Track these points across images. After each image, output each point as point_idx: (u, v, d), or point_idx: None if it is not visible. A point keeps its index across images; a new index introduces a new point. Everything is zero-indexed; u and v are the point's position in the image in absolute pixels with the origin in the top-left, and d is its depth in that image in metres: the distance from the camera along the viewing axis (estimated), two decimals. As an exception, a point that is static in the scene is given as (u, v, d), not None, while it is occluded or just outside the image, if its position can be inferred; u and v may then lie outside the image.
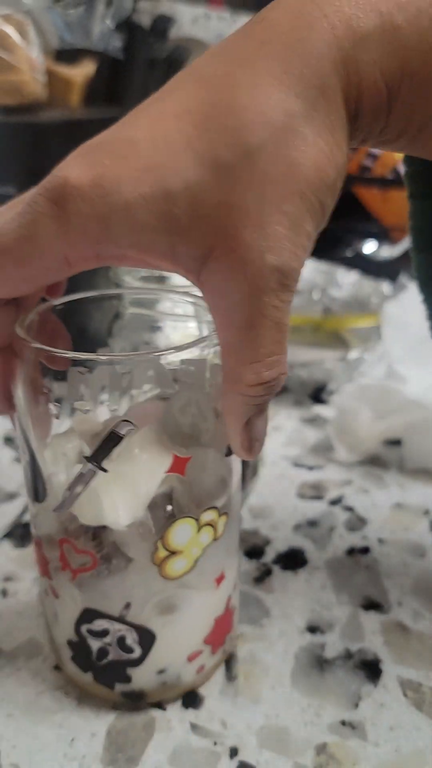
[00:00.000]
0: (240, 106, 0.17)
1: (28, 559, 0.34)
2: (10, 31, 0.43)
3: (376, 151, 0.60)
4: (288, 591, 0.31)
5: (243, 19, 1.23)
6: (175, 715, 0.25)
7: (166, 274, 0.35)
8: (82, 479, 0.21)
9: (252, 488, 0.39)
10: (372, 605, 0.31)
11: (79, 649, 0.25)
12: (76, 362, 0.21)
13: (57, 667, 0.28)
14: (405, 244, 0.66)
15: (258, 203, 0.17)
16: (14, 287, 0.19)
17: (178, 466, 0.22)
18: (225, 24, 1.21)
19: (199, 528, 0.23)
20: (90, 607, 0.23)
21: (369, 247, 0.68)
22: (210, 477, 0.23)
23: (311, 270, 0.68)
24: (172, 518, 0.22)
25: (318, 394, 0.50)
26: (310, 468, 0.41)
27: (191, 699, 0.26)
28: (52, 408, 0.22)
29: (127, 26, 0.53)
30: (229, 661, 0.28)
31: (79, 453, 0.22)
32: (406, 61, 0.17)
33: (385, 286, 0.62)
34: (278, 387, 0.19)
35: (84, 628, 0.24)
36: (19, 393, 0.22)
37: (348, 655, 0.28)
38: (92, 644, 0.24)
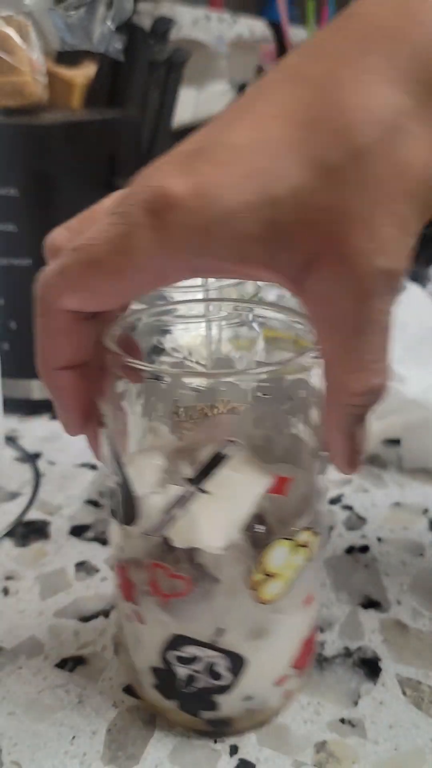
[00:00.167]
0: (346, 105, 0.16)
1: (29, 558, 0.34)
2: (11, 32, 0.43)
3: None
4: (288, 590, 0.32)
5: (244, 21, 1.22)
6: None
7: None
8: (181, 501, 0.20)
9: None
10: (371, 604, 0.31)
11: (164, 676, 0.24)
12: (157, 377, 0.21)
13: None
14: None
15: (367, 205, 0.16)
16: (104, 301, 0.19)
17: (280, 487, 0.21)
18: (225, 25, 1.21)
19: (295, 550, 0.22)
20: (180, 633, 0.22)
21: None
22: (295, 495, 0.22)
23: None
24: (264, 540, 0.21)
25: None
26: (310, 468, 0.42)
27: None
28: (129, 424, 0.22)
29: (127, 28, 0.53)
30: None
31: (161, 471, 0.22)
32: None
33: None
34: (383, 395, 0.19)
35: (171, 654, 0.23)
36: (110, 411, 0.22)
37: (347, 654, 0.28)
38: (179, 671, 0.23)
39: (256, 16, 1.39)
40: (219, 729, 0.24)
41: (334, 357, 0.18)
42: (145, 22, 0.59)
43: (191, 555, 0.21)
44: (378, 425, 0.42)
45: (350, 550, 0.34)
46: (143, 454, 0.23)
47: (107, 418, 0.22)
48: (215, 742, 0.24)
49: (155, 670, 0.24)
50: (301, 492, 0.22)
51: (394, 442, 0.44)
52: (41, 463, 0.43)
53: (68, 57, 0.55)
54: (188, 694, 0.23)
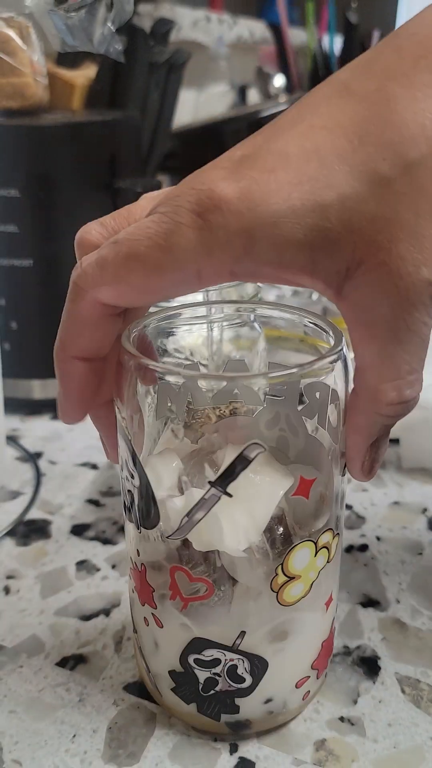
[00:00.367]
0: (399, 119, 0.17)
1: (30, 557, 0.34)
2: (12, 34, 0.43)
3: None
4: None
5: (243, 22, 1.22)
6: (175, 711, 0.26)
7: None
8: (204, 504, 0.20)
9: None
10: (370, 602, 0.31)
11: (183, 679, 0.23)
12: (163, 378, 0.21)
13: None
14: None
15: (414, 216, 0.17)
16: (138, 297, 0.19)
17: (304, 488, 0.21)
18: (225, 27, 1.21)
19: (317, 551, 0.22)
20: (201, 636, 0.22)
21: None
22: (314, 497, 0.22)
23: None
24: (285, 542, 0.21)
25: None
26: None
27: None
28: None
29: (127, 29, 0.53)
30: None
31: (179, 474, 0.22)
32: None
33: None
34: (414, 406, 0.19)
35: (191, 658, 0.23)
36: (129, 413, 0.22)
37: (347, 652, 0.28)
38: (199, 675, 0.23)
39: (255, 18, 1.39)
40: (238, 732, 0.24)
41: (369, 364, 0.19)
42: (146, 24, 0.59)
43: (212, 558, 0.21)
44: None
45: (349, 549, 0.35)
46: (159, 457, 0.23)
47: (125, 420, 0.22)
48: (215, 740, 0.24)
49: (174, 674, 0.24)
50: (319, 493, 0.22)
51: (393, 441, 0.44)
52: (42, 463, 0.43)
53: (69, 58, 0.56)
54: (208, 697, 0.23)
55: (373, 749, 0.24)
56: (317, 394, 0.21)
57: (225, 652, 0.22)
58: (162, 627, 0.23)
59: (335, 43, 0.85)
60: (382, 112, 0.17)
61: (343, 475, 0.23)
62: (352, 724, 0.25)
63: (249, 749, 0.24)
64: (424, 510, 0.38)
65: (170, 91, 0.63)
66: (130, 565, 0.24)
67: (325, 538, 0.22)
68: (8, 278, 0.45)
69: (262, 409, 0.22)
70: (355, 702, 0.26)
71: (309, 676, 0.24)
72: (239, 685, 0.23)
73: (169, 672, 0.24)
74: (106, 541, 0.35)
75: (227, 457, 0.20)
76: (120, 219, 0.21)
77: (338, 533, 0.23)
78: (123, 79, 0.57)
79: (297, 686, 0.24)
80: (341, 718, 0.25)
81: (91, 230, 0.21)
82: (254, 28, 1.30)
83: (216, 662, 0.23)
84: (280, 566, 0.21)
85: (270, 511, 0.21)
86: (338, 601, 0.31)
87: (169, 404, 0.23)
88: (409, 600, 0.31)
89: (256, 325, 0.31)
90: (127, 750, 0.24)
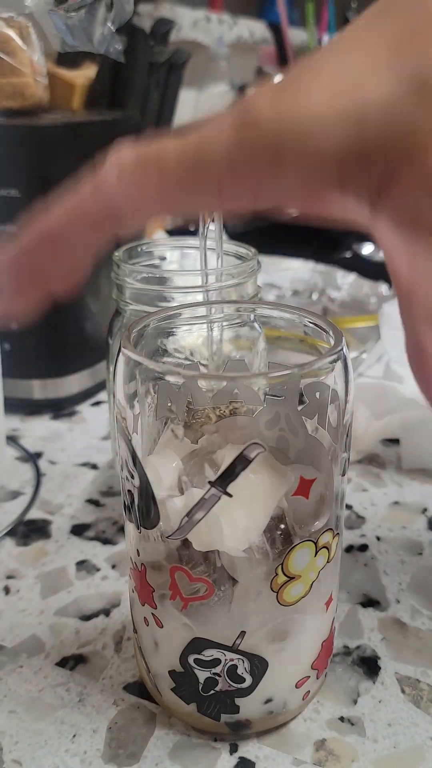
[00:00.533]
0: None
1: (29, 557, 0.34)
2: (12, 34, 0.43)
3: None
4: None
5: (243, 22, 1.22)
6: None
7: (166, 275, 0.35)
8: (204, 504, 0.20)
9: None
10: (370, 602, 0.31)
11: (183, 679, 0.23)
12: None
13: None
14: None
15: None
16: (154, 203, 0.19)
17: (304, 488, 0.21)
18: (225, 27, 1.21)
19: (317, 551, 0.22)
20: (201, 636, 0.22)
21: (367, 248, 0.68)
22: (314, 497, 0.21)
23: (310, 271, 0.68)
24: (285, 542, 0.21)
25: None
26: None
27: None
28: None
29: (127, 29, 0.53)
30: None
31: (179, 474, 0.22)
32: None
33: (384, 287, 0.63)
34: None
35: (191, 658, 0.23)
36: (129, 413, 0.22)
37: (347, 652, 0.28)
38: (199, 675, 0.23)
39: (255, 18, 1.39)
40: (238, 732, 0.24)
41: (406, 273, 0.18)
42: (146, 24, 0.59)
43: (212, 558, 0.21)
44: (377, 424, 0.42)
45: (349, 549, 0.35)
46: (159, 456, 0.23)
47: (129, 421, 0.22)
48: (215, 740, 0.24)
49: (173, 674, 0.24)
50: (319, 493, 0.22)
51: (393, 441, 0.44)
52: (42, 463, 0.43)
53: (69, 58, 0.56)
54: (208, 697, 0.23)
55: (373, 749, 0.24)
56: (317, 394, 0.21)
57: (225, 652, 0.22)
58: (162, 627, 0.23)
59: (335, 43, 0.85)
60: (422, 19, 0.17)
61: (343, 474, 0.23)
62: (352, 724, 0.25)
63: (249, 749, 0.24)
64: (424, 510, 0.38)
65: (170, 91, 0.63)
66: (130, 565, 0.24)
67: (325, 538, 0.22)
68: (8, 278, 0.45)
69: (262, 409, 0.22)
70: (355, 702, 0.26)
71: (309, 676, 0.24)
72: (239, 685, 0.23)
73: (169, 672, 0.24)
74: (106, 541, 0.35)
75: (227, 457, 0.20)
76: (154, 141, 0.21)
77: (338, 533, 0.23)
78: (123, 79, 0.57)
79: (297, 686, 0.24)
80: (341, 718, 0.25)
81: (127, 149, 0.21)
82: (254, 28, 1.30)
83: (216, 662, 0.23)
84: (280, 566, 0.21)
85: (270, 511, 0.21)
86: (338, 601, 0.31)
87: (169, 404, 0.23)
88: (409, 600, 0.31)
89: (256, 325, 0.31)
90: (127, 750, 0.24)
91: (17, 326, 0.47)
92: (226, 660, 0.22)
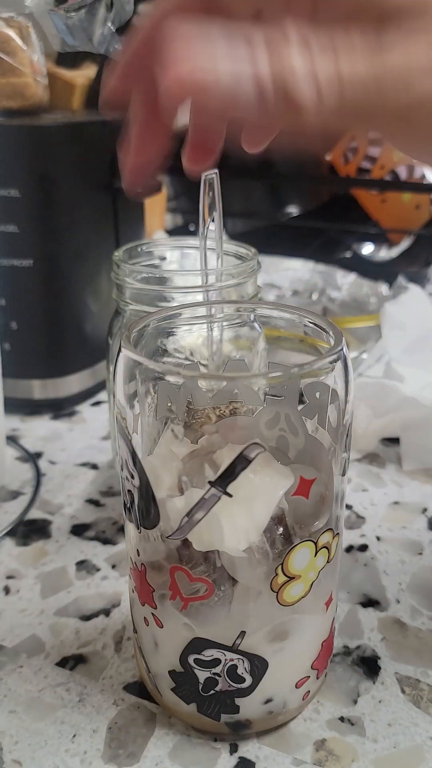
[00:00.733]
0: None
1: (30, 557, 0.34)
2: (12, 34, 0.43)
3: (374, 153, 0.60)
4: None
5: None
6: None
7: (166, 275, 0.35)
8: (204, 504, 0.20)
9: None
10: (370, 602, 0.31)
11: (183, 679, 0.23)
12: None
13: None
14: (403, 245, 0.67)
15: None
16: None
17: (304, 488, 0.21)
18: (225, 26, 1.21)
19: (317, 551, 0.22)
20: (201, 636, 0.22)
21: (367, 248, 0.68)
22: (314, 496, 0.21)
23: (310, 271, 0.68)
24: (286, 542, 0.21)
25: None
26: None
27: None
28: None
29: (128, 29, 0.53)
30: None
31: (179, 474, 0.22)
32: None
33: (383, 287, 0.63)
34: (282, 73, 0.15)
35: (191, 658, 0.23)
36: (129, 413, 0.22)
37: (347, 652, 0.28)
38: (199, 675, 0.23)
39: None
40: (238, 732, 0.24)
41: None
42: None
43: (212, 558, 0.21)
44: (377, 423, 0.42)
45: (349, 549, 0.35)
46: (159, 457, 0.23)
47: (126, 420, 0.22)
48: (215, 740, 0.24)
49: (173, 674, 0.24)
50: (319, 493, 0.22)
51: (393, 440, 0.44)
52: (42, 463, 0.43)
53: (69, 58, 0.56)
54: (208, 697, 0.23)
55: (373, 749, 0.24)
56: (317, 394, 0.21)
57: (225, 652, 0.22)
58: (162, 627, 0.23)
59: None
60: None
61: (343, 474, 0.23)
62: (352, 724, 0.25)
63: (249, 749, 0.24)
64: (424, 510, 0.38)
65: (170, 91, 0.63)
66: (130, 565, 0.24)
67: (325, 538, 0.22)
68: (8, 278, 0.45)
69: (262, 409, 0.22)
70: (355, 702, 0.26)
71: (309, 676, 0.24)
72: (239, 685, 0.23)
73: (169, 672, 0.24)
74: (106, 541, 0.35)
75: (227, 457, 0.20)
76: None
77: (338, 533, 0.23)
78: (123, 79, 0.57)
79: (297, 686, 0.24)
80: (341, 718, 0.25)
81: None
82: (254, 28, 1.30)
83: (216, 662, 0.23)
84: (280, 566, 0.21)
85: (270, 511, 0.21)
86: (338, 601, 0.31)
87: (169, 404, 0.23)
88: (409, 600, 0.31)
89: (256, 325, 0.31)
90: (127, 750, 0.24)
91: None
92: (226, 660, 0.22)
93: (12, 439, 0.45)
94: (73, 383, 0.49)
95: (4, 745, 0.24)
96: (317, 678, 0.25)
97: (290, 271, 0.69)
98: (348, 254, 0.68)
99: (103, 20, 0.41)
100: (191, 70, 0.15)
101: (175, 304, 0.26)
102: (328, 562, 0.23)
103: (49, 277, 0.46)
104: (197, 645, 0.22)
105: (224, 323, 0.29)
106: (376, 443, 0.44)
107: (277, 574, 0.21)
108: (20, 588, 0.32)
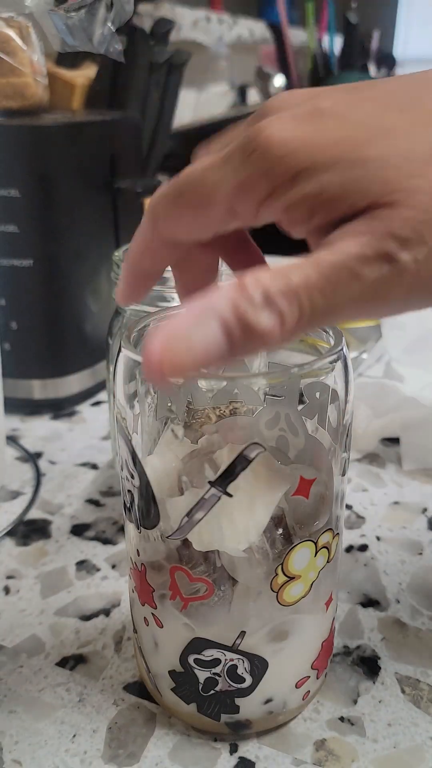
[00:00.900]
0: None
1: (30, 557, 0.34)
2: (12, 34, 0.43)
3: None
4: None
5: (244, 22, 1.22)
6: (175, 711, 0.26)
7: (167, 275, 0.35)
8: (204, 504, 0.20)
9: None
10: (370, 602, 0.31)
11: (183, 679, 0.23)
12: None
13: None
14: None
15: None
16: (188, 230, 0.20)
17: (304, 488, 0.21)
18: (225, 27, 1.21)
19: (317, 551, 0.22)
20: (201, 636, 0.22)
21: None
22: (314, 497, 0.21)
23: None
24: (286, 542, 0.21)
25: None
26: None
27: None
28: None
29: (127, 29, 0.53)
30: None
31: (179, 474, 0.22)
32: None
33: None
34: (268, 324, 0.16)
35: (191, 658, 0.23)
36: (132, 413, 0.22)
37: (347, 652, 0.28)
38: (199, 675, 0.23)
39: (256, 18, 1.39)
40: (238, 732, 0.24)
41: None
42: (146, 24, 0.59)
43: (212, 558, 0.21)
44: (377, 423, 0.42)
45: (349, 548, 0.35)
46: (159, 456, 0.23)
47: (126, 420, 0.22)
48: (215, 740, 0.24)
49: (173, 674, 0.24)
50: (319, 493, 0.22)
51: (393, 440, 0.44)
52: (42, 463, 0.43)
53: (69, 58, 0.56)
54: (207, 697, 0.23)
55: (373, 749, 0.24)
56: (317, 394, 0.21)
57: (225, 652, 0.22)
58: (162, 627, 0.23)
59: (335, 43, 0.85)
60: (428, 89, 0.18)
61: (343, 474, 0.23)
62: (352, 724, 0.25)
63: (249, 749, 0.24)
64: (424, 510, 0.38)
65: (170, 91, 0.63)
66: (130, 565, 0.24)
67: (325, 538, 0.22)
68: (8, 278, 0.45)
69: (262, 409, 0.22)
70: (355, 702, 0.26)
71: (309, 676, 0.24)
72: (239, 685, 0.23)
73: (169, 672, 0.24)
74: (106, 541, 0.35)
75: (227, 457, 0.20)
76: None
77: (338, 533, 0.23)
78: (123, 79, 0.57)
79: (297, 686, 0.24)
80: (341, 718, 0.25)
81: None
82: (254, 28, 1.30)
83: (216, 662, 0.23)
84: (280, 566, 0.21)
85: (270, 511, 0.21)
86: (338, 601, 0.31)
87: (169, 404, 0.23)
88: (409, 600, 0.31)
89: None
90: (127, 750, 0.24)
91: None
92: (226, 660, 0.22)
93: (12, 439, 0.45)
94: (73, 383, 0.49)
95: (4, 745, 0.24)
96: (317, 678, 0.25)
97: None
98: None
99: (103, 20, 0.41)
100: (166, 361, 0.16)
101: (175, 304, 0.26)
102: (328, 562, 0.23)
103: (49, 277, 0.46)
104: (197, 645, 0.22)
105: None
106: (376, 443, 0.44)
107: (277, 574, 0.21)
108: (20, 588, 0.32)
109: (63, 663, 0.28)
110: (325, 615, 0.24)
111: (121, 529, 0.36)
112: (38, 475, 0.41)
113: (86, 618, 0.30)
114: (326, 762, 0.24)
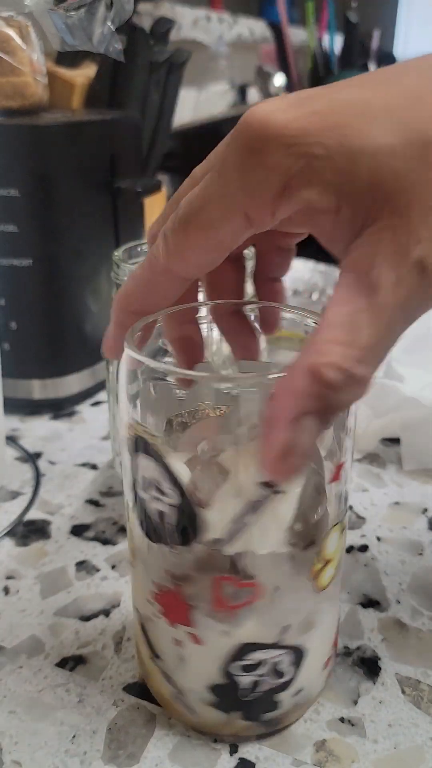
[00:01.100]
0: None
1: (29, 557, 0.34)
2: (12, 33, 0.43)
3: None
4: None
5: (244, 21, 1.22)
6: (175, 711, 0.26)
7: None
8: (254, 507, 0.20)
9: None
10: (370, 603, 0.31)
11: (224, 690, 0.23)
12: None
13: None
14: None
15: None
16: (203, 259, 0.19)
17: (338, 474, 0.21)
18: (225, 26, 1.21)
19: (342, 532, 0.22)
20: (247, 641, 0.22)
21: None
22: (309, 489, 0.21)
23: (310, 271, 0.68)
24: (312, 533, 0.21)
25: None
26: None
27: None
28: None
29: (127, 29, 0.53)
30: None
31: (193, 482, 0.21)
32: None
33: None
34: (354, 392, 0.17)
35: (236, 666, 0.22)
36: (157, 428, 0.22)
37: (347, 653, 0.28)
38: (242, 680, 0.23)
39: (256, 17, 1.39)
40: (274, 728, 0.25)
41: (328, 323, 0.17)
42: (146, 23, 0.59)
43: (243, 560, 0.21)
44: (377, 423, 0.42)
45: (350, 549, 0.35)
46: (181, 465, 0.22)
47: (157, 438, 0.21)
48: (215, 741, 0.24)
49: (215, 688, 0.23)
50: (314, 485, 0.21)
51: (394, 440, 0.44)
52: (42, 463, 0.43)
53: (68, 58, 0.56)
54: (251, 701, 0.23)
55: (373, 750, 0.24)
56: None
57: (269, 650, 0.22)
58: (200, 644, 0.22)
59: (335, 43, 0.85)
60: None
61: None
62: (353, 725, 0.25)
63: (249, 750, 0.24)
64: (424, 510, 0.38)
65: (170, 90, 0.63)
66: (151, 589, 0.23)
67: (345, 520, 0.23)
68: (8, 278, 0.45)
69: (233, 409, 0.22)
70: (356, 703, 0.26)
71: (331, 655, 0.25)
72: (282, 680, 0.23)
73: (209, 687, 0.23)
74: (106, 542, 0.35)
75: (241, 460, 0.20)
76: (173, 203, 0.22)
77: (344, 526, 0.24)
78: (123, 78, 0.57)
79: (324, 667, 0.25)
80: (341, 719, 0.25)
81: (154, 223, 0.22)
82: (254, 27, 1.30)
83: (260, 664, 0.23)
84: (316, 553, 0.22)
85: (293, 505, 0.21)
86: (338, 601, 0.31)
87: (171, 402, 0.23)
88: (410, 600, 0.31)
89: (256, 325, 0.31)
90: (127, 751, 0.24)
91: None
92: (269, 659, 0.22)
93: (12, 439, 0.45)
94: (72, 383, 0.49)
95: (3, 746, 0.24)
96: (336, 655, 0.26)
97: (290, 271, 0.68)
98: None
99: (102, 19, 0.41)
100: (289, 472, 0.18)
101: (175, 304, 0.26)
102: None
103: (49, 277, 0.46)
104: (243, 651, 0.22)
105: None
106: (376, 443, 0.44)
107: (314, 562, 0.22)
108: (20, 588, 0.32)
109: (63, 663, 0.28)
110: (338, 588, 0.25)
111: (122, 530, 0.36)
112: (38, 476, 0.41)
113: (86, 618, 0.30)
114: (326, 763, 0.24)
